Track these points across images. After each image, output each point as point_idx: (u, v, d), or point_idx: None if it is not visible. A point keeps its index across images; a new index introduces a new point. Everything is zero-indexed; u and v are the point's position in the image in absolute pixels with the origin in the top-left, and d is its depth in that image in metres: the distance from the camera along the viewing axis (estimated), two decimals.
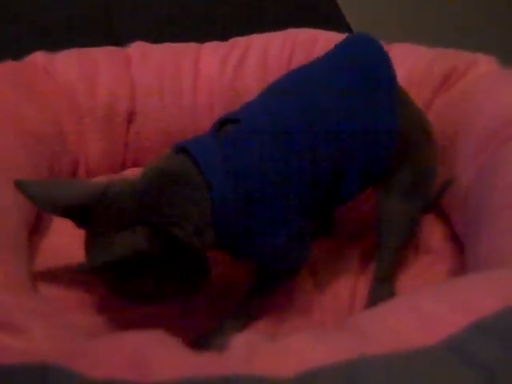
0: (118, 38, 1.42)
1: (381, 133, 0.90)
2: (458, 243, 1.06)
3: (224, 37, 1.47)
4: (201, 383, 0.43)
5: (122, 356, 0.47)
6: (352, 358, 0.45)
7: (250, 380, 0.43)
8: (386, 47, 1.33)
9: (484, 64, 1.19)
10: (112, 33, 1.57)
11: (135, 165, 1.39)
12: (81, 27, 1.59)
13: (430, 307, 0.52)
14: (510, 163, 0.90)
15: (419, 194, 0.98)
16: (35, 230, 1.12)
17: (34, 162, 1.09)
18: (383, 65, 0.96)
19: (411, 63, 1.27)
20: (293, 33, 1.44)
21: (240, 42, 1.45)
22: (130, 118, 1.34)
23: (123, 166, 1.39)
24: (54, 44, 1.35)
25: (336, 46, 1.03)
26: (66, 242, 1.10)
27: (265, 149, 0.84)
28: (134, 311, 0.96)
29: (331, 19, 1.71)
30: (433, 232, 1.12)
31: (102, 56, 1.35)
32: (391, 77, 0.95)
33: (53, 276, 1.03)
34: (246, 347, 0.47)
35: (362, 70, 0.94)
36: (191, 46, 1.44)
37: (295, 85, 0.95)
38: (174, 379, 0.43)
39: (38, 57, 1.31)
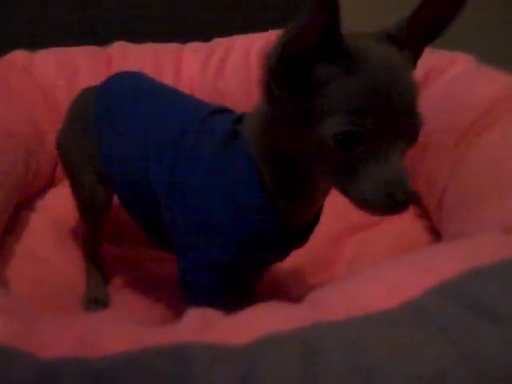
0: (99, 38, 1.41)
1: None
2: (436, 236, 1.05)
3: (205, 38, 1.47)
4: (151, 353, 0.42)
5: (71, 334, 0.45)
6: (306, 325, 0.44)
7: (201, 347, 0.41)
8: None
9: (462, 62, 1.19)
10: (93, 32, 1.56)
11: None
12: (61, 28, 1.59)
13: (391, 275, 0.51)
14: (482, 151, 0.91)
15: None
16: (11, 231, 1.11)
17: (7, 159, 1.08)
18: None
19: None
20: (275, 34, 1.43)
21: (222, 42, 1.45)
22: None
23: None
24: (34, 44, 1.34)
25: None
26: (41, 243, 1.10)
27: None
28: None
29: None
30: (414, 226, 1.12)
31: (82, 55, 1.34)
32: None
33: (26, 276, 1.02)
34: (198, 318, 0.46)
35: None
36: (172, 46, 1.44)
37: None
38: (123, 351, 0.42)
39: (18, 55, 1.31)
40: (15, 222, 1.15)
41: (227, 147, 0.76)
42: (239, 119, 0.78)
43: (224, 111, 0.87)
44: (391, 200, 0.59)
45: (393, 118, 0.60)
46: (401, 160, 0.62)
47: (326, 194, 0.74)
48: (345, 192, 0.63)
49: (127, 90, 0.96)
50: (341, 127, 0.59)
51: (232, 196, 0.74)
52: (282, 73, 0.62)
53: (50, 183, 1.32)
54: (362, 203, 0.61)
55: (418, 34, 0.67)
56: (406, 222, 1.13)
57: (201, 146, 0.79)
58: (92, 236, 1.07)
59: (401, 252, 1.04)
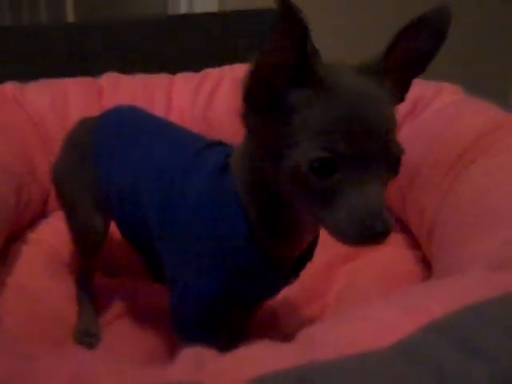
0: (90, 69, 1.42)
1: None
2: (428, 267, 1.06)
3: (195, 68, 1.49)
4: None
5: (64, 375, 0.45)
6: (301, 363, 0.44)
7: None
8: None
9: (449, 93, 1.21)
10: (84, 63, 1.57)
11: None
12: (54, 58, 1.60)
13: (382, 314, 0.52)
14: (469, 184, 0.92)
15: None
16: (2, 263, 1.11)
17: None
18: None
19: None
20: None
21: (212, 73, 1.47)
22: None
23: None
24: (26, 74, 1.35)
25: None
26: (33, 275, 1.10)
27: None
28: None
29: None
30: (405, 256, 1.13)
31: (73, 86, 1.35)
32: None
33: (17, 309, 1.01)
34: (193, 358, 0.46)
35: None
36: (163, 77, 1.45)
37: None
38: None
39: (8, 86, 1.31)
40: (6, 254, 1.15)
41: (215, 181, 0.76)
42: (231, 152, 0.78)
43: (219, 144, 0.87)
44: (367, 230, 0.57)
45: (365, 145, 0.58)
46: (379, 189, 0.60)
47: (313, 230, 0.73)
48: (321, 222, 0.61)
49: (126, 123, 0.98)
50: (312, 153, 0.58)
51: (217, 231, 0.74)
52: (255, 97, 0.63)
53: (42, 214, 1.32)
54: (338, 233, 0.60)
55: (398, 67, 0.67)
56: (397, 252, 1.14)
57: (191, 181, 0.79)
58: (86, 269, 1.07)
59: (392, 283, 1.05)
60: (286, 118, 0.61)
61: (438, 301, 0.52)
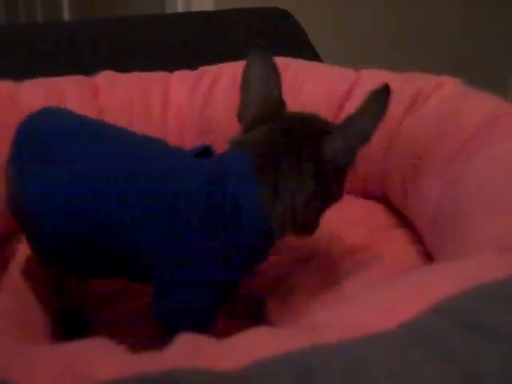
0: (86, 67, 1.41)
1: None
2: (430, 260, 1.04)
3: (193, 65, 1.47)
4: (141, 380, 0.40)
5: (59, 364, 0.44)
6: (301, 347, 0.43)
7: (193, 373, 0.40)
8: (354, 73, 1.37)
9: (449, 85, 1.20)
10: (79, 62, 1.56)
11: None
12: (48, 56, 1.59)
13: (388, 296, 0.50)
14: (474, 172, 0.91)
15: None
16: None
17: None
18: None
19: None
20: None
21: (210, 70, 1.45)
22: None
23: None
24: (20, 73, 1.34)
25: None
26: (27, 274, 1.08)
27: None
28: None
29: (299, 48, 1.72)
30: (406, 250, 1.10)
31: (69, 85, 1.34)
32: None
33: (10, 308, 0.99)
34: (190, 343, 0.45)
35: None
36: (160, 75, 1.44)
37: None
38: (114, 380, 0.41)
39: (3, 86, 1.30)
40: (1, 253, 1.13)
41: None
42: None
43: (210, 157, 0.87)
44: None
45: None
46: None
47: None
48: None
49: (60, 130, 0.86)
50: None
51: None
52: None
53: None
54: None
55: None
56: (399, 246, 1.12)
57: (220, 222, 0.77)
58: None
59: (393, 275, 1.03)
60: None
61: (445, 281, 0.51)
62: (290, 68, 1.41)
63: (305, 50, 1.73)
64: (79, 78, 1.37)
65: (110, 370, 0.42)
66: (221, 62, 1.47)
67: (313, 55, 1.75)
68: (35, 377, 0.44)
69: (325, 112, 1.31)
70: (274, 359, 0.41)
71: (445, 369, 0.43)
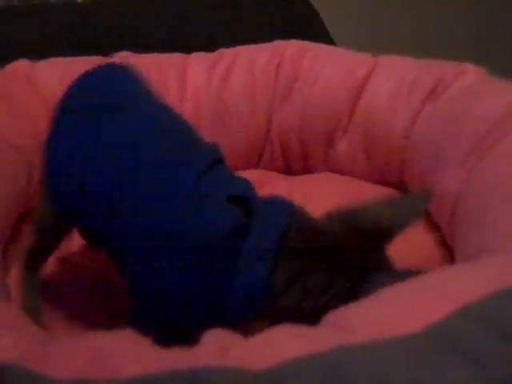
0: (103, 48, 1.39)
1: None
2: (448, 251, 1.04)
3: (210, 48, 1.46)
4: (171, 377, 0.40)
5: (85, 355, 0.44)
6: (331, 348, 0.42)
7: (223, 372, 0.40)
8: (372, 59, 1.35)
9: (472, 73, 1.18)
10: (97, 43, 1.55)
11: None
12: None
13: (414, 297, 0.50)
14: (496, 163, 0.89)
15: None
16: (11, 242, 1.09)
17: (11, 172, 1.06)
18: None
19: (399, 74, 1.27)
20: (280, 44, 1.43)
21: (227, 53, 1.43)
22: None
23: None
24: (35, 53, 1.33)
25: None
26: None
27: None
28: None
29: (315, 33, 1.70)
30: (424, 240, 1.10)
31: (85, 66, 1.32)
32: None
33: None
34: (218, 341, 0.44)
35: None
36: (177, 57, 1.42)
37: None
38: (143, 375, 0.41)
39: (20, 64, 1.29)
40: (15, 234, 1.13)
41: None
42: None
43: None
44: None
45: None
46: None
47: None
48: None
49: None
50: None
51: None
52: None
53: None
54: None
55: None
56: (417, 235, 1.11)
57: None
58: None
59: (413, 266, 1.03)
60: None
61: (471, 283, 0.50)
62: (307, 52, 1.40)
63: (320, 35, 1.70)
64: (96, 59, 1.36)
65: (138, 366, 0.42)
66: (238, 44, 1.45)
67: (328, 41, 1.73)
68: (62, 368, 0.44)
69: (344, 96, 1.30)
70: (302, 360, 0.41)
71: (470, 373, 0.42)
